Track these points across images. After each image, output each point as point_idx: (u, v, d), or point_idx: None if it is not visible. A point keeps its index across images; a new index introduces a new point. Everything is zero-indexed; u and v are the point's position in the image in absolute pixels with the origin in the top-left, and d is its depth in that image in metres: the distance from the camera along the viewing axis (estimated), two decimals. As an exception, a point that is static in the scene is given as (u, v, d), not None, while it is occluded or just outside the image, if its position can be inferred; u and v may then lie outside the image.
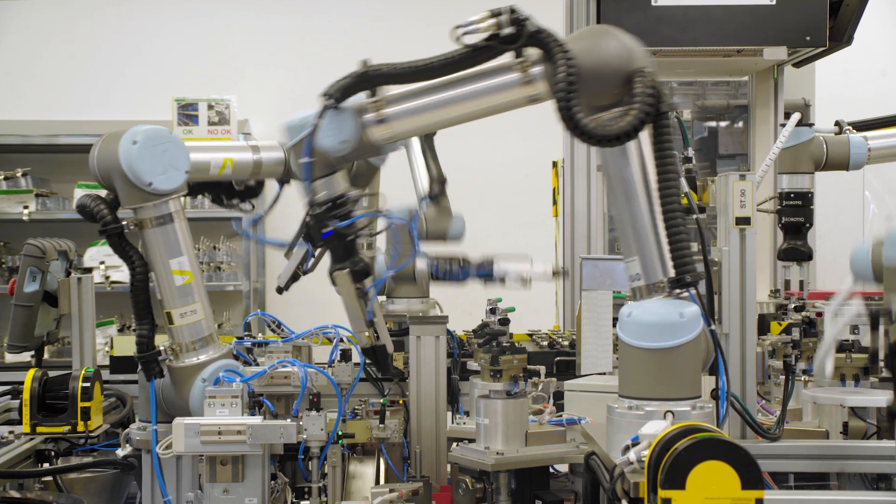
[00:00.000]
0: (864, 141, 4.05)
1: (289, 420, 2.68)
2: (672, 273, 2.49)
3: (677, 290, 2.51)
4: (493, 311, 3.76)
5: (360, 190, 3.17)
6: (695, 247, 2.58)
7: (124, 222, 2.84)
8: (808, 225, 3.99)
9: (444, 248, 3.50)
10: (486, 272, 3.17)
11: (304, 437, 2.76)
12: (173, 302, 2.91)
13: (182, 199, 2.87)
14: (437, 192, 4.09)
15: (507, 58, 2.46)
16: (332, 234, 2.61)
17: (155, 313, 2.91)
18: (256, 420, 2.64)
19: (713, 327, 2.55)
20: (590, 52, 2.40)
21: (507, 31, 2.36)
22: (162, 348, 2.89)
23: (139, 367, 2.88)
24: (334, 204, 2.60)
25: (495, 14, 2.38)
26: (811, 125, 4.02)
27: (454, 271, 3.10)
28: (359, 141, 2.52)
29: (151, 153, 2.75)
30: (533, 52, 2.42)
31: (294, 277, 2.85)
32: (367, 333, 2.76)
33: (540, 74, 2.43)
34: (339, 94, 2.50)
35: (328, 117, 2.51)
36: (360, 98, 2.56)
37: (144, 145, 2.75)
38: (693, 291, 2.51)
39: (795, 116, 3.95)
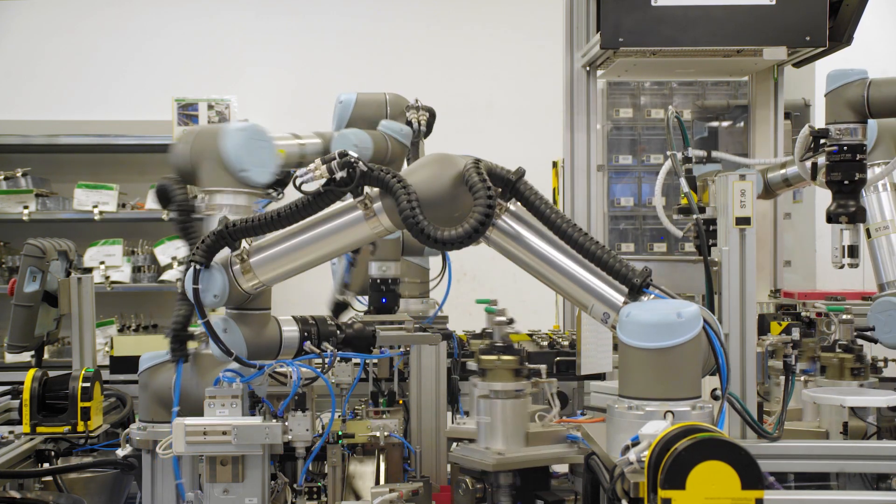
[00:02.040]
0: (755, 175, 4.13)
1: (274, 421, 2.69)
2: (623, 288, 2.53)
3: (643, 298, 2.53)
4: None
5: None
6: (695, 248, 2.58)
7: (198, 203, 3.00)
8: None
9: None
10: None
11: (290, 437, 2.77)
12: None
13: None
14: None
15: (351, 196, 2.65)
16: None
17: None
18: (244, 420, 2.64)
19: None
20: (427, 178, 2.59)
21: (340, 175, 2.54)
22: (196, 333, 2.95)
23: (170, 346, 2.91)
24: None
25: (327, 161, 2.55)
26: (705, 162, 4.17)
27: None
28: (231, 292, 2.69)
29: (252, 145, 2.95)
30: (373, 190, 2.59)
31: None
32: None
33: (381, 209, 2.58)
34: (204, 255, 2.65)
35: (202, 277, 2.65)
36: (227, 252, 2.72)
37: (249, 136, 2.95)
38: (655, 290, 2.52)
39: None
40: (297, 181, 2.58)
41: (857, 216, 3.55)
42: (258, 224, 2.62)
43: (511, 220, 2.64)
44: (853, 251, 3.62)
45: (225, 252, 2.70)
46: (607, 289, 2.59)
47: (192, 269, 2.65)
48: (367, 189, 2.60)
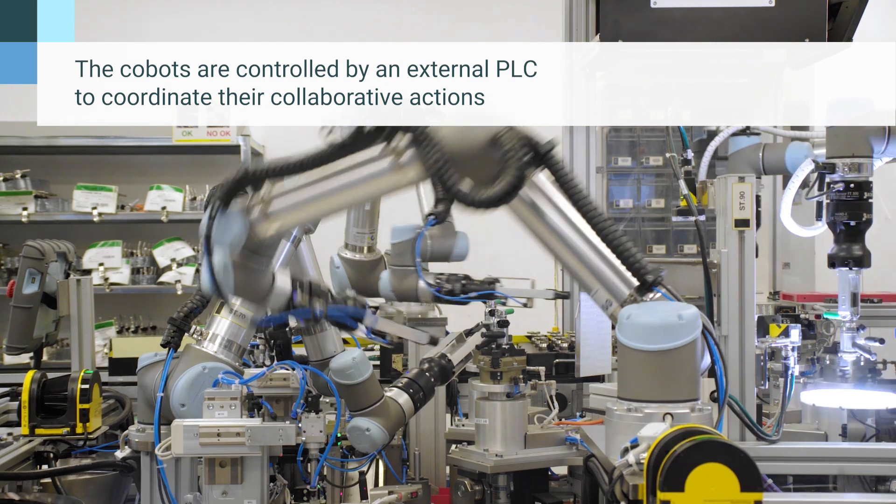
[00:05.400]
0: (805, 146, 4.06)
1: (287, 422, 2.68)
2: (633, 282, 2.53)
3: (649, 295, 2.52)
4: (491, 313, 3.75)
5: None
6: (693, 249, 2.59)
7: None
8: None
9: (446, 267, 3.56)
10: (487, 293, 3.22)
11: (303, 439, 2.77)
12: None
13: (302, 229, 3.10)
14: (444, 211, 4.06)
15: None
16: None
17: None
18: (255, 422, 2.64)
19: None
20: (457, 132, 2.53)
21: (371, 125, 2.50)
22: (195, 328, 3.00)
23: (167, 332, 2.96)
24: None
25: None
26: (749, 134, 4.10)
27: (456, 291, 3.17)
28: (246, 239, 2.61)
29: None
30: (403, 140, 2.52)
31: None
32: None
33: (411, 159, 2.51)
34: (224, 195, 2.59)
35: (217, 219, 2.60)
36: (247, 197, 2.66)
37: None
38: (662, 289, 2.52)
39: (732, 129, 4.04)
40: (325, 130, 2.56)
41: (863, 261, 3.36)
42: (283, 167, 2.57)
43: (533, 190, 2.60)
44: (855, 298, 3.46)
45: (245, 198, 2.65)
46: (615, 278, 2.58)
47: (209, 208, 2.60)
48: (396, 140, 2.53)
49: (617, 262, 2.56)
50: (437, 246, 4.09)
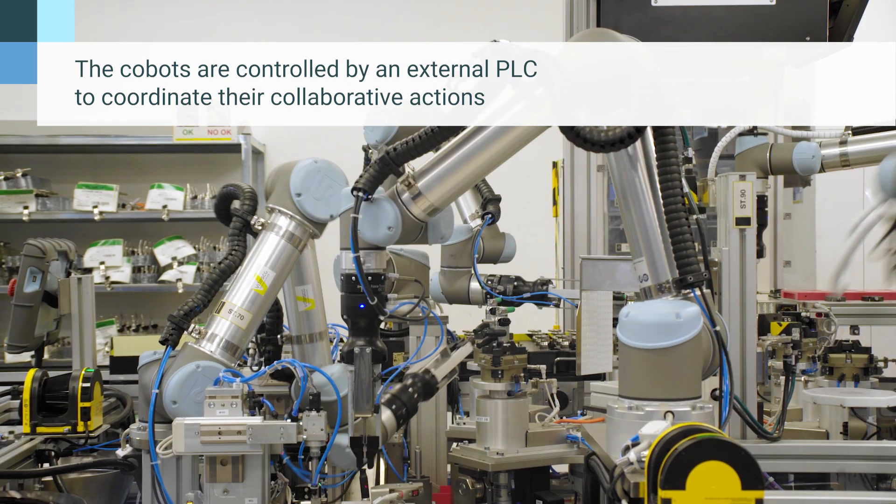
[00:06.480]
0: (813, 147, 4.08)
1: (289, 420, 2.68)
2: (677, 273, 2.53)
3: (684, 291, 2.53)
4: (492, 312, 3.76)
5: (397, 275, 3.24)
6: (696, 247, 2.61)
7: (255, 219, 3.03)
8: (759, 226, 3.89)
9: (497, 269, 3.56)
10: (540, 294, 3.23)
11: (304, 437, 2.77)
12: (234, 298, 2.99)
13: (308, 234, 3.00)
14: (497, 210, 4.11)
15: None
16: (363, 309, 2.63)
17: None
18: (256, 420, 2.64)
19: (717, 328, 2.55)
20: None
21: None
22: (194, 326, 2.99)
23: (167, 329, 2.93)
24: (372, 279, 2.62)
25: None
26: (756, 134, 4.12)
27: (509, 292, 3.17)
28: (404, 222, 2.56)
29: (317, 178, 2.95)
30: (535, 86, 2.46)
31: None
32: (366, 417, 2.75)
33: (545, 94, 2.45)
34: (368, 185, 2.54)
35: (364, 210, 2.55)
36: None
37: (318, 168, 2.97)
38: (698, 292, 2.52)
39: (738, 129, 4.07)
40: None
41: None
42: (420, 141, 2.51)
43: (639, 144, 2.57)
44: None
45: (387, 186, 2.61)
46: (664, 259, 2.58)
47: (355, 200, 2.54)
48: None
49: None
50: (488, 247, 4.11)
